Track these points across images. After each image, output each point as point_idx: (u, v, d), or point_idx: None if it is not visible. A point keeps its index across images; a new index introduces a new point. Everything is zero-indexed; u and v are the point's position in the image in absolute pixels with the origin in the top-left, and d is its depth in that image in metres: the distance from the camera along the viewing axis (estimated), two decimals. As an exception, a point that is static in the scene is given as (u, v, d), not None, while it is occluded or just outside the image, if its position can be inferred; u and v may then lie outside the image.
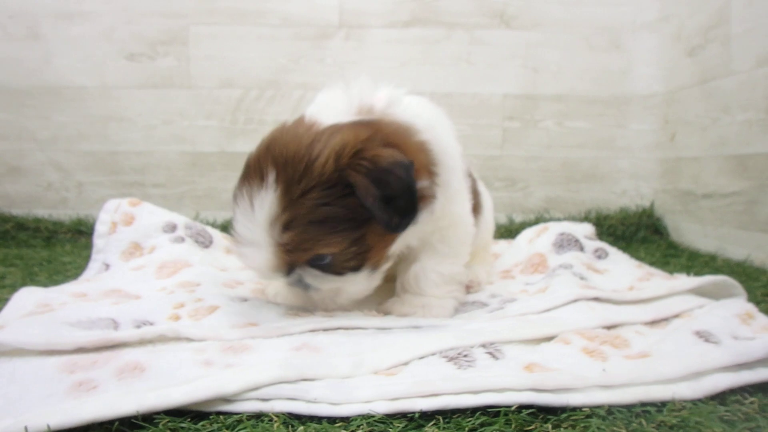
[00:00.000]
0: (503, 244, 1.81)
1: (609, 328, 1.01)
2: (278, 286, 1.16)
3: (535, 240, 1.59)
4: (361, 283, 1.00)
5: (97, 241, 1.40)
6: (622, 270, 1.42)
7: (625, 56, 2.37)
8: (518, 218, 2.38)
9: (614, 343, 0.95)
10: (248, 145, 2.58)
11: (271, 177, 0.88)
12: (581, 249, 1.49)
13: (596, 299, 1.13)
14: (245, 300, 1.08)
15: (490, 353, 0.87)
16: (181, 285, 1.17)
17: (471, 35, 2.35)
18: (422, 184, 0.96)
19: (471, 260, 1.25)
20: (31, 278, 1.49)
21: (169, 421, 0.69)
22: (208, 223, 2.26)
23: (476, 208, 1.31)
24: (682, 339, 0.93)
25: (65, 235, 2.15)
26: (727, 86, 1.92)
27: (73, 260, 1.72)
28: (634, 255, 1.95)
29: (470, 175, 1.30)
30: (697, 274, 1.64)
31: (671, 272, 1.63)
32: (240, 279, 1.29)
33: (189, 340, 0.87)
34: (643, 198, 2.39)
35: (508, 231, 2.27)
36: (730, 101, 1.91)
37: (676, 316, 1.09)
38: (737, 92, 1.87)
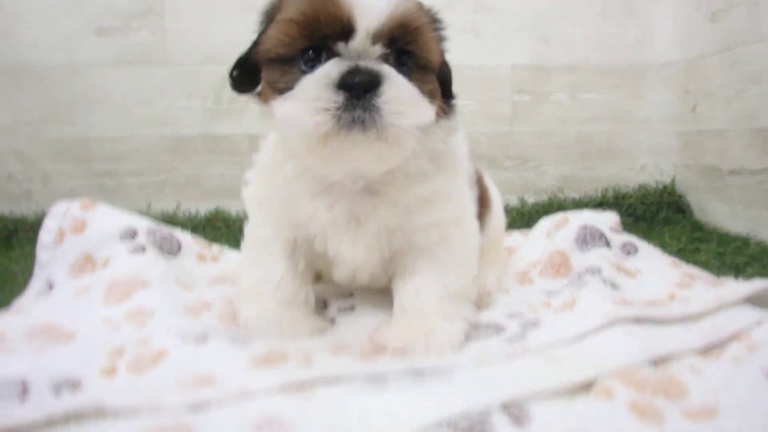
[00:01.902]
0: (517, 236, 1.65)
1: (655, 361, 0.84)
2: (254, 309, 0.98)
3: (554, 233, 1.41)
4: (428, 113, 0.81)
5: (41, 255, 1.20)
6: (657, 270, 1.25)
7: (640, 23, 2.17)
8: (530, 199, 2.21)
9: (668, 391, 0.77)
10: (234, 126, 2.39)
11: None
12: (607, 244, 1.32)
13: (635, 319, 0.95)
14: (204, 339, 0.87)
15: (513, 417, 0.69)
16: (131, 315, 0.96)
17: (476, 3, 2.13)
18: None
19: (479, 261, 1.08)
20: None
21: None
22: (189, 216, 2.10)
23: (484, 204, 1.15)
24: (751, 382, 0.76)
25: (26, 233, 1.93)
26: (755, 54, 1.75)
27: (24, 268, 1.52)
28: (658, 239, 1.82)
29: (478, 174, 1.15)
30: (731, 261, 1.52)
31: (702, 260, 1.50)
32: (207, 298, 1.08)
33: (115, 414, 0.67)
34: (663, 174, 2.22)
35: (520, 214, 2.11)
36: (758, 70, 1.74)
37: (732, 337, 0.91)
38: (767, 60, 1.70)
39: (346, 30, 0.76)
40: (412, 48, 0.79)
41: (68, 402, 0.67)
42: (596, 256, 1.25)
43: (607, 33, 2.17)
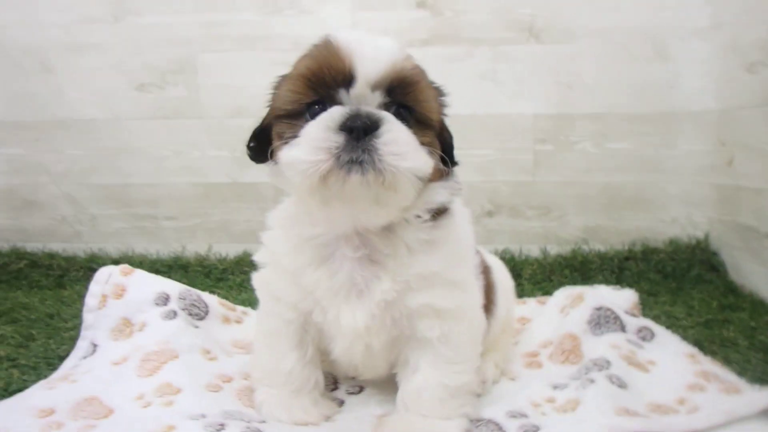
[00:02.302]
0: (533, 305, 1.60)
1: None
2: (267, 395, 1.05)
3: (570, 310, 1.37)
4: (428, 162, 0.85)
5: (87, 316, 1.33)
6: (671, 363, 1.17)
7: (671, 66, 2.07)
8: (553, 250, 2.15)
9: None
10: (260, 175, 2.49)
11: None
12: (622, 328, 1.27)
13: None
14: (222, 427, 0.94)
15: None
16: (160, 390, 1.06)
17: (496, 51, 2.13)
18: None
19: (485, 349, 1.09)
20: (27, 343, 1.44)
21: None
22: (220, 258, 2.21)
23: (489, 296, 1.13)
24: None
25: (77, 272, 2.12)
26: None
27: (76, 312, 1.66)
28: (687, 303, 1.71)
29: (484, 265, 1.14)
30: (761, 340, 1.37)
31: (730, 336, 1.39)
32: (227, 371, 1.18)
33: None
34: (696, 228, 2.10)
35: (541, 267, 2.06)
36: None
37: None
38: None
39: (347, 79, 0.81)
40: (410, 102, 0.84)
41: None
42: (608, 344, 1.20)
43: (635, 78, 2.10)
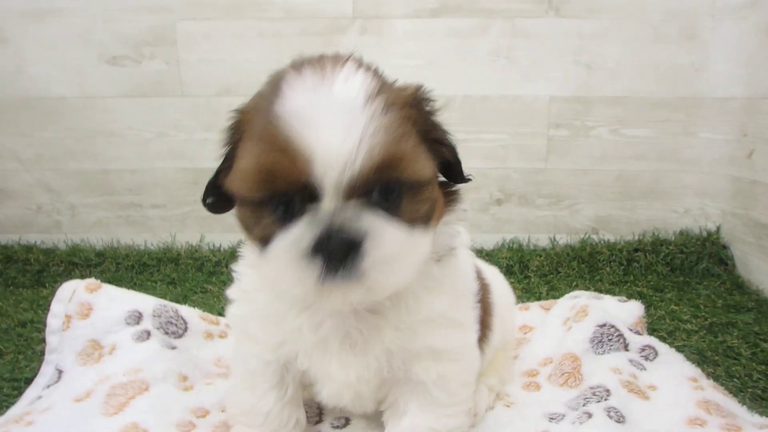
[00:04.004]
0: (536, 311, 1.56)
1: None
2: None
3: (573, 324, 1.33)
4: (423, 248, 0.74)
5: (50, 339, 1.22)
6: (674, 390, 1.14)
7: (700, 49, 1.93)
8: (562, 240, 2.09)
9: None
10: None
11: (350, 65, 0.69)
12: (625, 347, 1.24)
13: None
14: None
15: None
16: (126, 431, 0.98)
17: (512, 26, 1.94)
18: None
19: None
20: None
21: None
22: (213, 249, 2.09)
23: (484, 314, 1.04)
24: None
25: (58, 267, 1.98)
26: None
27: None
28: (693, 298, 1.72)
29: (482, 284, 1.05)
30: (765, 347, 1.41)
31: (734, 345, 1.39)
32: (204, 404, 1.09)
33: None
34: (708, 220, 2.06)
35: (548, 258, 2.01)
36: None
37: None
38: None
39: (309, 190, 0.65)
40: (395, 177, 0.68)
41: None
42: (609, 368, 1.16)
43: (660, 60, 1.96)
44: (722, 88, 1.94)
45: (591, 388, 1.11)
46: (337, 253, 0.64)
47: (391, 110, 0.66)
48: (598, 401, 1.06)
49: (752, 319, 1.57)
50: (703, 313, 1.61)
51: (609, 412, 1.03)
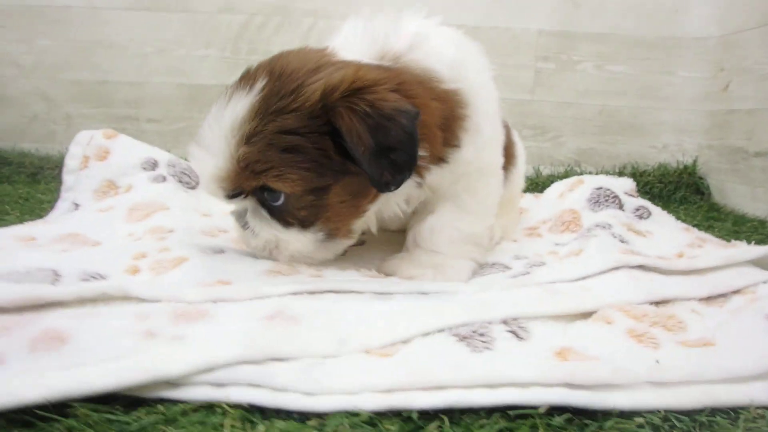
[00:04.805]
0: (529, 198, 1.61)
1: (657, 304, 0.83)
2: None
3: (567, 194, 1.39)
4: (304, 244, 0.87)
5: (67, 178, 1.24)
6: (668, 233, 1.23)
7: (680, -10, 2.07)
8: (546, 171, 2.16)
9: (667, 324, 0.77)
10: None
11: (258, 84, 0.80)
12: (620, 207, 1.29)
13: (641, 267, 0.93)
14: (221, 252, 0.91)
15: (512, 332, 0.70)
16: (152, 231, 1.01)
17: (504, -41, 2.07)
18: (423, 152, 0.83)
19: None
20: (0, 217, 1.33)
21: (91, 410, 0.53)
22: (206, 164, 2.11)
23: (509, 159, 1.13)
24: (752, 324, 0.75)
25: (52, 171, 1.98)
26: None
27: (53, 198, 1.56)
28: (673, 214, 1.75)
29: (505, 124, 1.13)
30: (746, 240, 1.45)
31: (716, 236, 1.45)
32: (223, 227, 1.13)
33: (139, 300, 0.70)
34: (685, 154, 2.15)
35: (534, 184, 2.06)
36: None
37: (736, 292, 0.90)
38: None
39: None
40: (267, 186, 0.81)
41: (96, 285, 0.71)
42: (608, 215, 1.22)
43: (642, 0, 2.08)
44: (699, 28, 2.07)
45: (593, 223, 1.17)
46: (244, 226, 0.90)
47: (258, 135, 0.78)
48: (602, 229, 1.12)
49: (730, 225, 1.64)
50: (684, 221, 1.66)
51: (613, 234, 1.09)
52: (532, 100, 2.16)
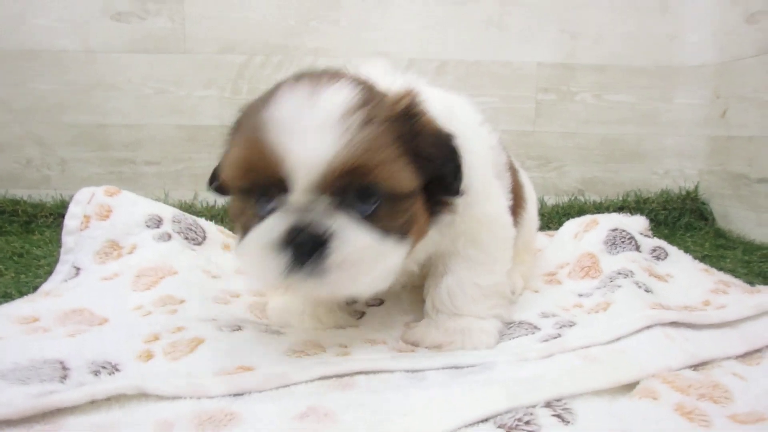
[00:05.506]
0: (541, 237, 1.60)
1: (695, 366, 0.82)
2: (282, 300, 0.98)
3: (583, 235, 1.37)
4: (394, 259, 0.74)
5: (67, 239, 1.18)
6: (689, 276, 1.21)
7: (674, 19, 2.09)
8: (551, 201, 2.16)
9: (713, 395, 0.75)
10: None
11: (343, 80, 0.73)
12: (637, 248, 1.28)
13: (673, 323, 0.92)
14: (238, 329, 0.87)
15: (558, 416, 0.67)
16: (162, 301, 0.97)
17: (502, -6, 2.08)
18: None
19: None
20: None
21: None
22: (207, 206, 2.08)
23: (518, 203, 1.12)
24: None
25: (46, 219, 1.94)
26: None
27: (47, 253, 1.52)
28: (681, 245, 1.75)
29: (511, 167, 1.11)
30: (758, 269, 1.45)
31: (729, 268, 1.44)
32: (234, 290, 1.09)
33: (158, 397, 0.66)
34: (687, 180, 2.15)
35: (539, 215, 2.05)
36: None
37: None
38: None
39: (282, 184, 0.70)
40: (370, 183, 0.71)
41: (109, 384, 0.66)
42: (626, 259, 1.20)
43: (638, 30, 2.10)
44: (695, 57, 2.09)
45: (614, 271, 1.14)
46: (303, 247, 0.68)
47: (370, 123, 0.69)
48: (625, 277, 1.10)
49: (741, 253, 1.63)
50: (694, 252, 1.66)
51: (637, 284, 1.07)
52: (535, 131, 2.16)
